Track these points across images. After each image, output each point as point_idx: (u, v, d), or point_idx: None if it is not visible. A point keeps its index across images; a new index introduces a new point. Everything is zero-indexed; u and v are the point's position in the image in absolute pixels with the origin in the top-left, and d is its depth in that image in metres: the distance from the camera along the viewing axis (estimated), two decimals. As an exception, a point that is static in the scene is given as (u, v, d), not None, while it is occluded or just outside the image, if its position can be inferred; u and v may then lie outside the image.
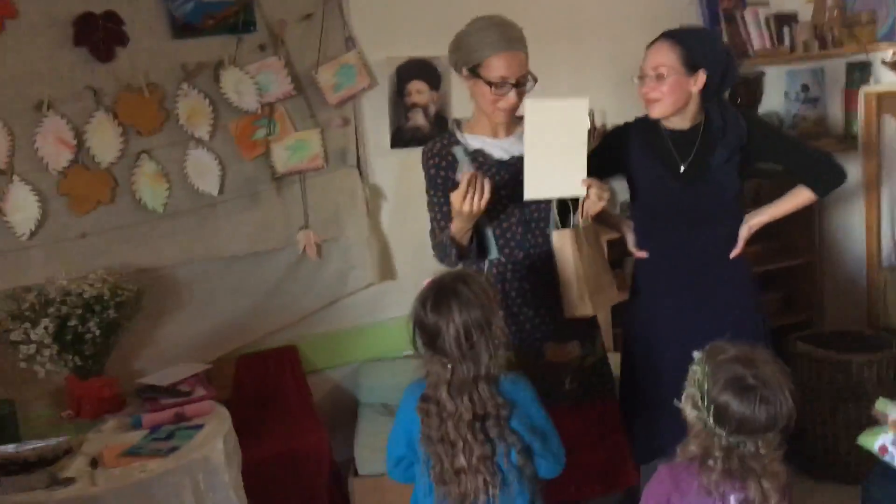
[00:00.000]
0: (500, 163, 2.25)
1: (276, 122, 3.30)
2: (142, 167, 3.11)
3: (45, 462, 2.30)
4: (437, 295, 1.83)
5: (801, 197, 2.41)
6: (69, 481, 2.23)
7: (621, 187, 2.69)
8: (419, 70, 3.51)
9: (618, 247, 2.78)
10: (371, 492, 3.01)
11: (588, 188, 2.13)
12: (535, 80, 2.23)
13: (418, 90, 3.55)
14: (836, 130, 3.74)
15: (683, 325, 2.30)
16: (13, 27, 2.89)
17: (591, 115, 3.79)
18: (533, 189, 2.15)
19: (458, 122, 2.37)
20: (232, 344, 3.36)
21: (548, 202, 2.23)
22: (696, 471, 1.67)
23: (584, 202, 2.15)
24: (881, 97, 3.37)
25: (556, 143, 2.13)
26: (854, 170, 3.57)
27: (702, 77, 2.25)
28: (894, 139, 3.41)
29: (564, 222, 2.21)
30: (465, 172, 2.10)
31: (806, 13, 3.78)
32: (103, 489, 2.20)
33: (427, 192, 2.32)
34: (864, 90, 3.40)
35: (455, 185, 2.23)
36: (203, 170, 3.20)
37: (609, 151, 2.50)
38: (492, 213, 2.21)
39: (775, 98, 4.06)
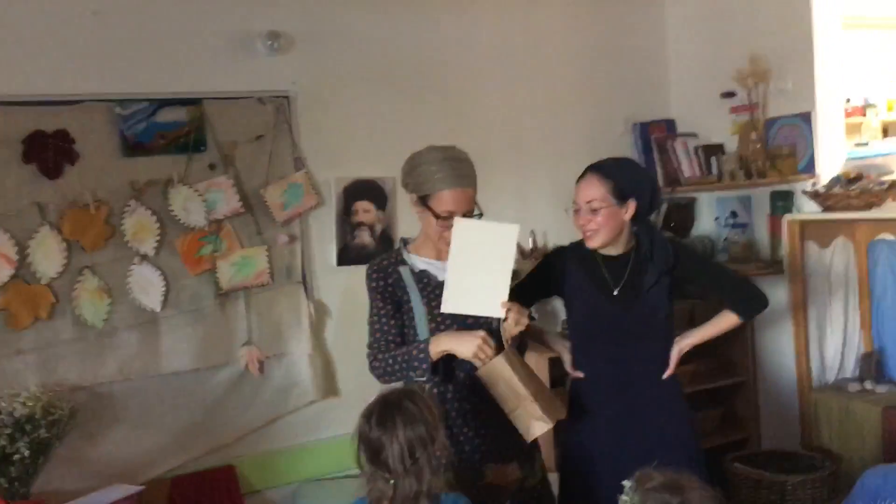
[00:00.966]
0: (444, 284, 2.30)
1: (223, 239, 3.34)
2: (84, 282, 3.10)
3: None
4: (383, 410, 1.85)
5: (726, 321, 2.51)
6: None
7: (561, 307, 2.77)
8: (366, 190, 3.61)
9: (559, 366, 2.83)
10: None
11: (507, 312, 2.17)
12: (481, 214, 2.32)
13: (365, 209, 3.64)
14: (764, 255, 3.92)
15: (618, 449, 2.34)
16: (-39, 145, 2.92)
17: (534, 235, 3.94)
18: (451, 303, 2.19)
19: (406, 242, 2.43)
20: (168, 463, 3.27)
21: (489, 323, 2.27)
22: None
23: (502, 325, 2.20)
24: (803, 224, 3.57)
25: (481, 263, 2.17)
26: (782, 293, 3.74)
27: (632, 206, 2.38)
28: (818, 264, 3.59)
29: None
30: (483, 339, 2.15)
31: (732, 144, 4.02)
32: None
33: (371, 307, 2.35)
34: (787, 218, 3.59)
35: (398, 302, 2.28)
36: (147, 285, 3.20)
37: (547, 273, 2.59)
38: (434, 333, 2.25)
39: (707, 223, 4.27)
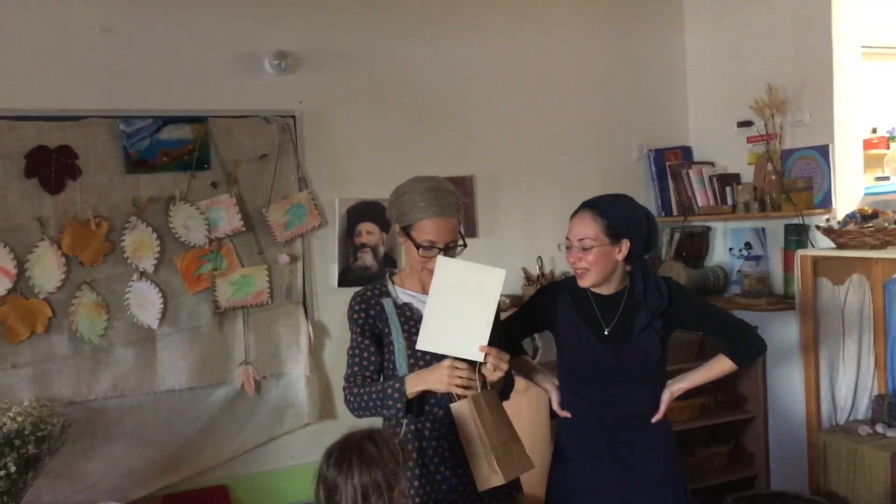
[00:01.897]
0: None
1: (223, 257, 3.33)
2: (82, 297, 3.11)
3: None
4: (342, 450, 1.81)
5: (721, 366, 2.43)
6: None
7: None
8: (369, 212, 3.59)
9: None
10: None
11: (486, 356, 2.11)
12: (465, 245, 2.27)
13: (368, 231, 3.62)
14: (777, 289, 3.82)
15: (604, 491, 2.27)
16: (-35, 158, 2.95)
17: (540, 262, 3.88)
18: (428, 342, 2.13)
19: (391, 273, 2.40)
20: (159, 482, 3.26)
21: (472, 363, 2.22)
22: None
23: (480, 369, 2.14)
24: (816, 260, 3.46)
25: (462, 304, 2.12)
26: (794, 329, 3.63)
27: (626, 245, 2.32)
28: (831, 302, 3.48)
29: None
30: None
31: (748, 175, 3.93)
32: None
33: (351, 338, 2.31)
34: (799, 253, 3.49)
35: (379, 335, 2.24)
36: (144, 302, 3.21)
37: (539, 308, 2.54)
38: (413, 369, 2.21)
39: (721, 253, 4.17)
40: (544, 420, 3.35)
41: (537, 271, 3.88)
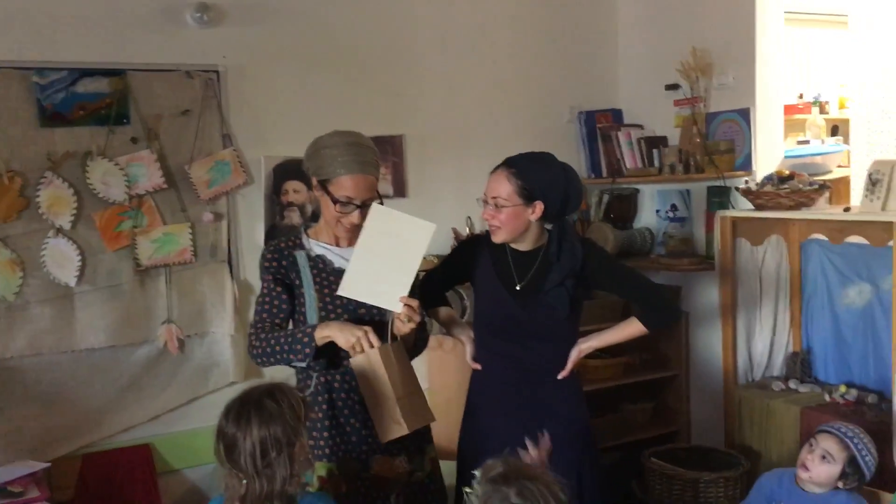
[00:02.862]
0: (340, 271, 2.26)
1: (144, 215, 3.28)
2: (-5, 254, 3.03)
3: None
4: (241, 406, 1.81)
5: (631, 328, 2.48)
6: None
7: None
8: (296, 170, 3.46)
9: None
10: None
11: (405, 307, 2.14)
12: (382, 203, 2.27)
13: (295, 190, 3.59)
14: (700, 250, 3.90)
15: (512, 447, 2.30)
16: None
17: (470, 221, 3.90)
18: (350, 288, 2.15)
19: (307, 227, 2.39)
20: (79, 440, 3.23)
21: (382, 315, 2.24)
22: None
23: (393, 320, 2.16)
24: (736, 222, 3.54)
25: (389, 254, 2.14)
26: (715, 289, 3.72)
27: (539, 207, 2.33)
28: (749, 262, 3.57)
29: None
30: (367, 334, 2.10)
31: (675, 138, 3.99)
32: None
33: (261, 287, 2.31)
34: (719, 214, 3.57)
35: (290, 286, 2.24)
36: (62, 259, 3.14)
37: (459, 260, 2.58)
38: (325, 321, 2.21)
39: (649, 215, 4.24)
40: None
41: (467, 231, 3.89)
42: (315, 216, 3.58)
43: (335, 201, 2.21)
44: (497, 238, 2.37)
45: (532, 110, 4.16)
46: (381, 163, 2.60)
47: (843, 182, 3.65)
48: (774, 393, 3.37)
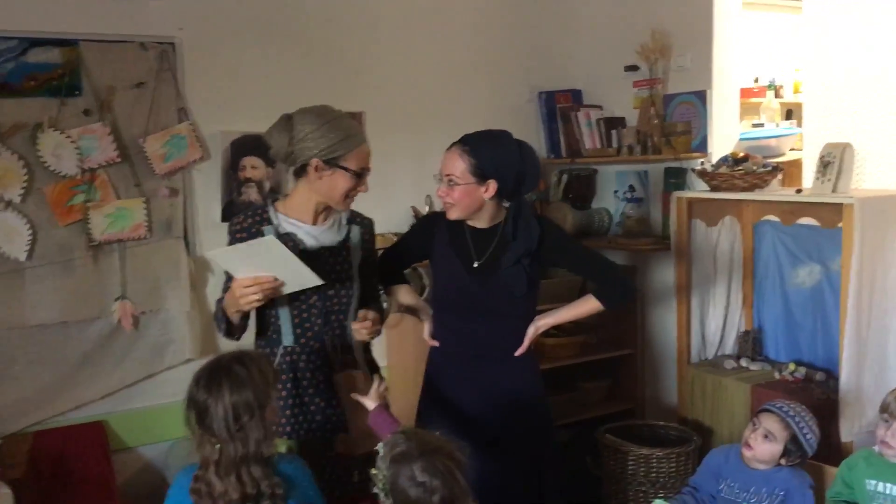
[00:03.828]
0: (309, 251, 2.23)
1: (97, 189, 3.22)
2: (-60, 227, 2.95)
3: None
4: (211, 373, 1.81)
5: (588, 305, 2.50)
6: None
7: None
8: (254, 146, 3.50)
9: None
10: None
11: (363, 320, 2.20)
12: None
13: (253, 165, 3.55)
14: (656, 230, 3.95)
15: (468, 423, 2.33)
16: None
17: (430, 200, 3.89)
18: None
19: (275, 199, 2.33)
20: (30, 418, 3.18)
21: (350, 295, 2.24)
22: None
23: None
24: (691, 202, 3.59)
25: (274, 268, 2.06)
26: (670, 269, 3.78)
27: (492, 186, 2.32)
28: (704, 243, 3.63)
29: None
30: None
31: (634, 119, 4.02)
32: None
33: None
34: (675, 195, 3.61)
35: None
36: (11, 233, 3.08)
37: (417, 237, 2.59)
38: (292, 299, 2.19)
39: (607, 195, 4.27)
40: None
41: (426, 209, 3.89)
42: (273, 192, 3.56)
43: (355, 174, 2.18)
44: (451, 215, 2.37)
45: (493, 90, 4.17)
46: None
47: (796, 164, 3.71)
48: (726, 371, 3.44)
